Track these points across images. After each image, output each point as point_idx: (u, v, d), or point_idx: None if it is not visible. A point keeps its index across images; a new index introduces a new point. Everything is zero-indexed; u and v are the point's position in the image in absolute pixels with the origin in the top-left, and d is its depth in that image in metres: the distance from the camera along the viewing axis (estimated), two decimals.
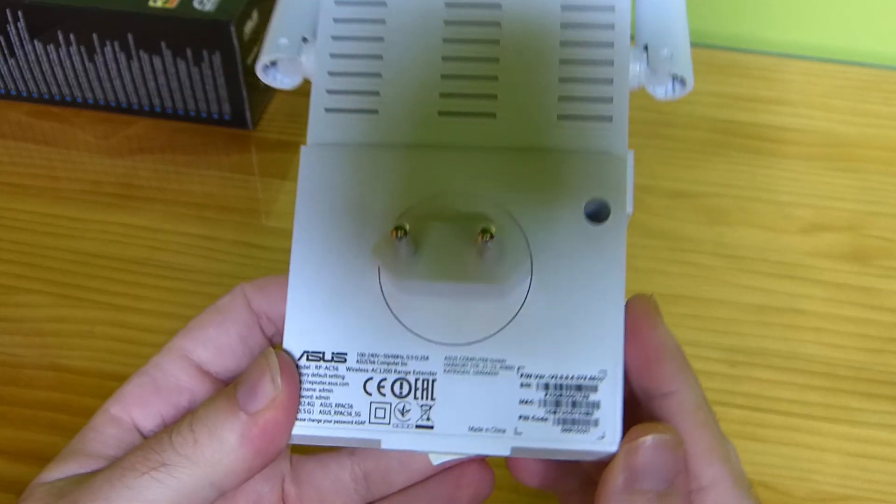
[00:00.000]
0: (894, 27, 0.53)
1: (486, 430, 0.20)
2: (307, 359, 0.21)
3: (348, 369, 0.21)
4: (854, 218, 0.42)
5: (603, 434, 0.20)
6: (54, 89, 0.45)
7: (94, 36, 0.42)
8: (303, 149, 0.21)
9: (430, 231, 0.20)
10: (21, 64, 0.44)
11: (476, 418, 0.20)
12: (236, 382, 0.21)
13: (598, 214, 0.20)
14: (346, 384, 0.21)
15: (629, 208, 0.21)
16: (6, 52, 0.43)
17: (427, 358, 0.20)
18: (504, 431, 0.20)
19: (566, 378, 0.20)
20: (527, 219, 0.20)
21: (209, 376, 0.23)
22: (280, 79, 0.23)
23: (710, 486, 0.20)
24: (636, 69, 0.22)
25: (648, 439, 0.20)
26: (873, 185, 0.43)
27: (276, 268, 0.38)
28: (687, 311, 0.37)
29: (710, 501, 0.20)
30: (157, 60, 0.42)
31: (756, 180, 0.43)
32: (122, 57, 0.42)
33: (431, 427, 0.20)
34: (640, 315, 0.21)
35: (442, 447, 0.20)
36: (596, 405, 0.20)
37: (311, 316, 0.21)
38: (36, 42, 0.43)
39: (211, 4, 0.41)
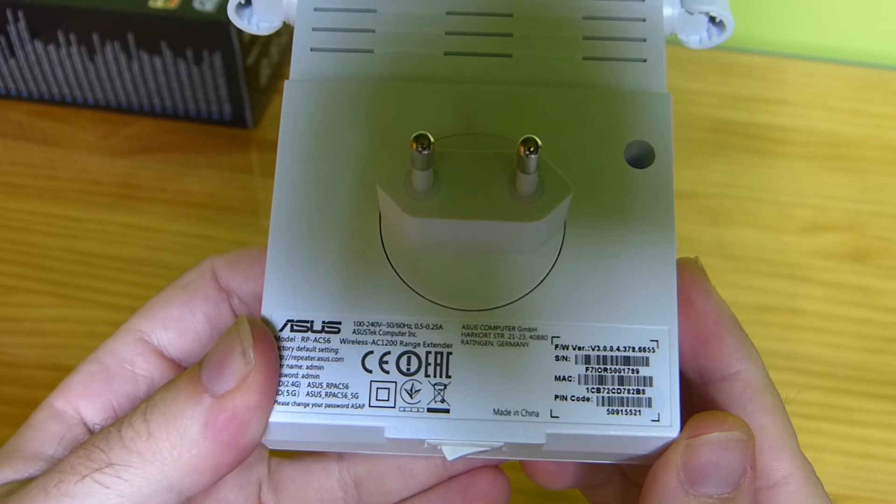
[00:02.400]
0: (894, 27, 0.53)
1: (515, 413, 0.16)
2: (291, 329, 0.17)
3: (343, 341, 0.17)
4: (854, 218, 0.42)
5: (657, 416, 0.17)
6: (54, 89, 0.45)
7: (95, 36, 0.42)
8: (286, 83, 0.18)
9: (451, 160, 0.16)
10: (21, 64, 0.44)
11: (502, 399, 0.16)
12: (201, 361, 0.17)
13: (641, 159, 0.17)
14: (341, 359, 0.17)
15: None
16: (6, 52, 0.43)
17: (440, 327, 0.17)
18: (537, 414, 0.16)
19: (611, 349, 0.17)
20: (558, 161, 0.17)
21: (171, 362, 0.20)
22: (255, 21, 0.20)
23: (781, 484, 0.18)
24: (668, 11, 0.19)
25: (714, 436, 0.16)
26: (873, 185, 0.43)
27: None
28: None
29: (781, 501, 0.18)
30: (157, 60, 0.42)
31: (756, 180, 0.43)
32: (122, 57, 0.42)
33: (447, 410, 0.16)
34: (688, 281, 0.18)
35: (460, 436, 0.16)
36: (647, 381, 0.17)
37: (295, 278, 0.17)
38: (36, 42, 0.43)
39: (211, 4, 0.41)
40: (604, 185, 0.17)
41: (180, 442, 0.16)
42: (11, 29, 0.42)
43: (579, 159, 0.17)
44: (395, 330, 0.17)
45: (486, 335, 0.17)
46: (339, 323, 0.17)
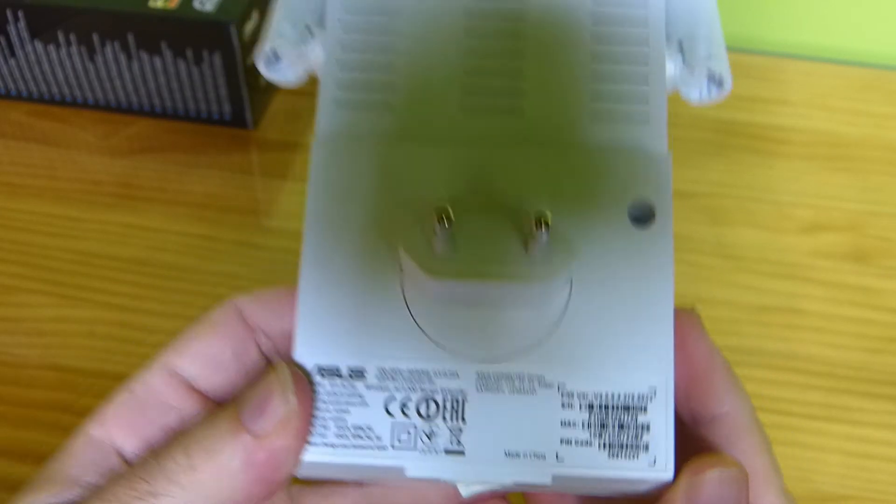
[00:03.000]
0: (894, 27, 0.53)
1: (524, 455, 0.18)
2: (321, 375, 0.19)
3: (367, 387, 0.18)
4: (854, 218, 0.42)
5: (654, 460, 0.18)
6: (54, 89, 0.45)
7: (95, 36, 0.42)
8: (314, 144, 0.19)
9: (467, 223, 0.18)
10: (21, 64, 0.44)
11: (512, 442, 0.18)
12: (239, 399, 0.18)
13: (643, 217, 0.19)
14: (366, 404, 0.18)
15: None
16: (6, 52, 0.43)
17: (456, 374, 0.18)
18: (544, 457, 0.18)
19: (612, 397, 0.18)
20: (566, 218, 0.18)
21: (199, 395, 0.21)
22: (283, 72, 0.21)
23: None
24: (671, 68, 0.20)
25: (714, 473, 0.18)
26: (873, 185, 0.43)
27: (276, 268, 0.38)
28: None
29: None
30: (157, 60, 0.42)
31: (756, 180, 0.43)
32: (122, 57, 0.42)
33: (462, 452, 0.18)
34: (686, 328, 0.19)
35: (474, 475, 0.18)
36: (645, 427, 0.18)
37: (324, 325, 0.19)
38: (36, 42, 0.43)
39: (211, 5, 0.41)
40: (608, 243, 0.18)
41: (220, 475, 0.18)
42: (11, 29, 0.42)
43: (585, 218, 0.18)
44: (415, 377, 0.18)
45: (498, 383, 0.18)
46: (364, 369, 0.18)
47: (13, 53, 0.43)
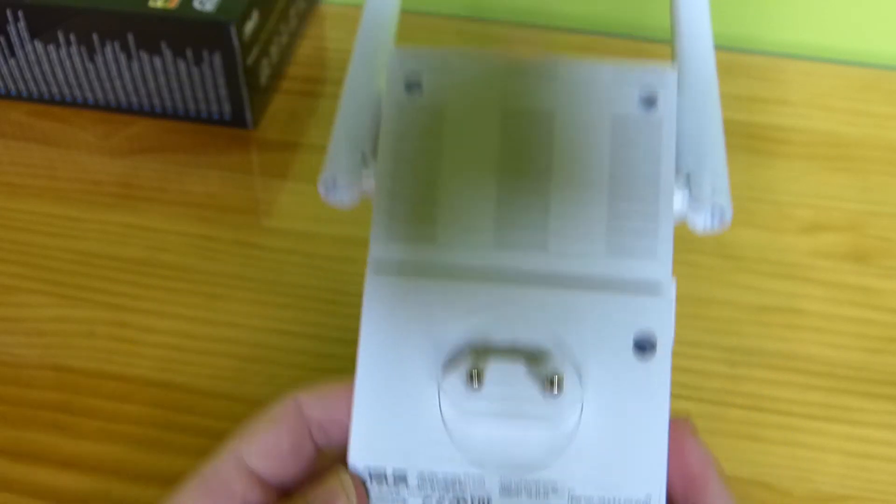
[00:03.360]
0: (894, 27, 0.53)
1: None
2: (370, 477, 0.22)
3: (409, 491, 0.22)
4: (854, 218, 0.42)
5: None
6: (54, 89, 0.45)
7: (95, 36, 0.42)
8: (367, 277, 0.22)
9: (495, 368, 0.21)
10: (21, 64, 0.44)
11: None
12: (307, 499, 0.21)
13: (645, 349, 0.21)
14: None
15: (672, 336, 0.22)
16: (6, 52, 0.43)
17: (483, 482, 0.21)
18: None
19: (613, 501, 0.21)
20: (579, 351, 0.21)
21: (261, 483, 0.23)
22: (340, 196, 0.24)
23: None
24: (678, 200, 0.22)
25: None
26: (873, 185, 0.43)
27: (275, 267, 0.38)
28: (687, 311, 0.37)
29: None
30: (157, 60, 0.42)
31: (756, 180, 0.43)
32: (122, 57, 0.42)
33: None
34: (681, 437, 0.22)
35: None
36: None
37: (374, 434, 0.22)
38: (36, 42, 0.43)
39: (211, 4, 0.41)
40: (614, 370, 0.21)
41: None
42: (11, 29, 0.42)
43: (595, 347, 0.21)
44: (449, 482, 0.22)
45: (518, 489, 0.21)
46: (406, 473, 0.22)
47: (13, 53, 0.43)
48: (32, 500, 0.31)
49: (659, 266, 0.22)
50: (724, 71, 0.50)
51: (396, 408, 0.22)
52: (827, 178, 0.44)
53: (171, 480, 0.32)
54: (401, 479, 0.22)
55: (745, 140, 0.46)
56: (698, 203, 0.22)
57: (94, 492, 0.31)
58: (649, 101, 0.22)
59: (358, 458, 0.22)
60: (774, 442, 0.33)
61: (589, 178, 0.22)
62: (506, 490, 0.21)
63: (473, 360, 0.21)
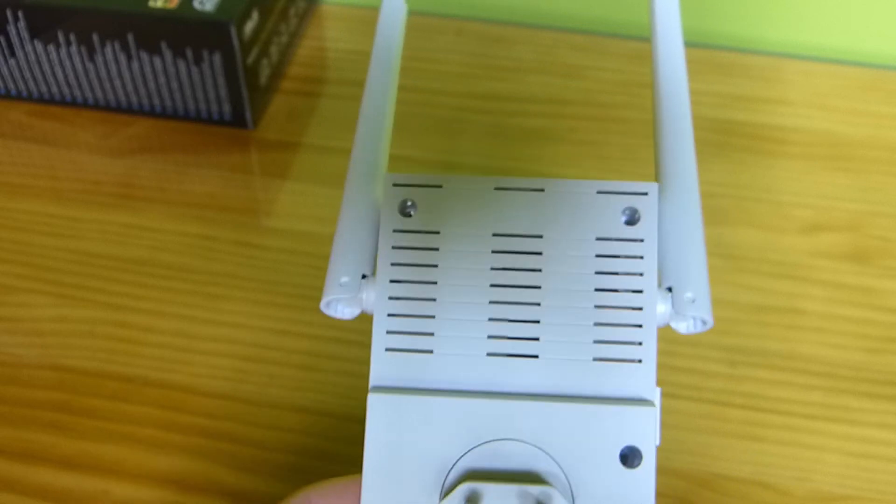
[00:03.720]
0: (894, 27, 0.53)
1: None
2: None
3: None
4: (854, 218, 0.42)
5: None
6: (54, 89, 0.45)
7: (95, 36, 0.42)
8: (369, 397, 0.24)
9: (489, 494, 0.22)
10: (21, 64, 0.44)
11: None
12: None
13: (631, 460, 0.23)
14: None
15: (658, 441, 0.23)
16: (6, 52, 0.44)
17: None
18: None
19: None
20: (569, 465, 0.23)
21: None
22: (341, 311, 0.25)
23: None
24: (662, 310, 0.24)
25: None
26: (873, 185, 0.43)
27: (275, 267, 0.38)
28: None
29: None
30: (157, 60, 0.42)
31: (756, 180, 0.43)
32: (122, 57, 0.43)
33: None
34: None
35: None
36: None
37: None
38: (36, 42, 0.43)
39: (211, 4, 0.41)
40: (602, 481, 0.23)
41: None
42: (11, 29, 0.42)
43: (584, 460, 0.23)
44: None
45: None
46: None
47: (13, 53, 0.44)
48: (32, 500, 0.31)
49: (644, 373, 0.23)
50: (725, 71, 0.50)
51: None
52: (827, 178, 0.44)
53: (170, 480, 0.32)
54: None
55: (745, 140, 0.46)
56: (681, 316, 0.24)
57: (94, 492, 0.31)
58: (632, 220, 0.24)
59: None
60: (774, 442, 0.33)
61: (577, 294, 0.24)
62: None
63: (469, 487, 0.22)
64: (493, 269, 0.24)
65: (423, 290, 0.24)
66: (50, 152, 0.44)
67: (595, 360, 0.24)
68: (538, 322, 0.24)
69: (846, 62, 0.51)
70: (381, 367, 0.24)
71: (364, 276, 0.25)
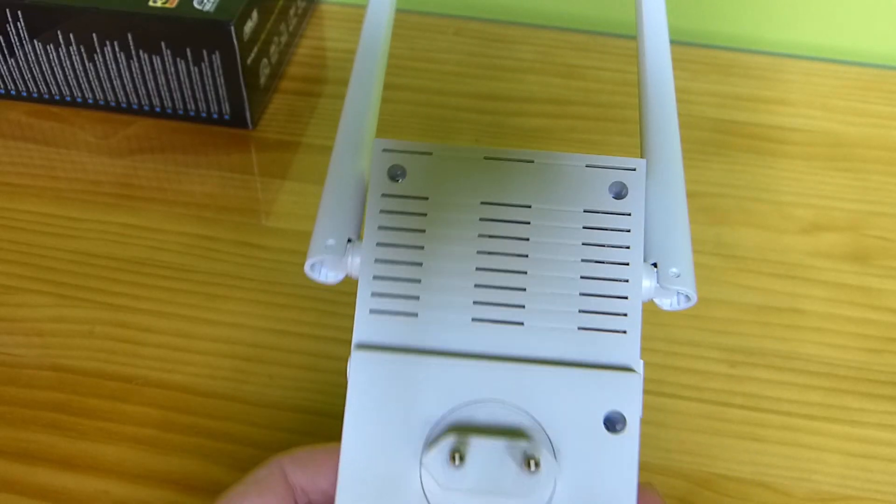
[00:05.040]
0: (894, 27, 0.53)
1: None
2: None
3: None
4: (854, 218, 0.42)
5: None
6: (54, 89, 0.45)
7: (94, 36, 0.42)
8: (353, 355, 0.23)
9: (475, 446, 0.22)
10: (21, 64, 0.44)
11: None
12: None
13: (615, 425, 0.23)
14: None
15: (640, 413, 0.23)
16: (6, 52, 0.43)
17: None
18: None
19: None
20: (553, 425, 0.23)
21: None
22: (325, 274, 0.25)
23: None
24: (647, 285, 0.24)
25: None
26: (873, 185, 0.43)
27: (275, 267, 0.38)
28: (687, 311, 0.37)
29: None
30: (157, 60, 0.42)
31: (756, 180, 0.43)
32: (122, 57, 0.42)
33: None
34: (649, 499, 0.24)
35: None
36: None
37: (357, 500, 0.23)
38: (36, 42, 0.43)
39: (211, 4, 0.41)
40: (586, 445, 0.23)
41: None
42: (11, 29, 0.42)
43: (568, 424, 0.23)
44: None
45: None
46: None
47: (13, 53, 0.43)
48: (32, 500, 0.31)
49: (628, 344, 0.23)
50: (725, 71, 0.50)
51: (380, 481, 0.23)
52: (827, 178, 0.44)
53: (170, 480, 0.32)
54: None
55: (745, 140, 0.46)
56: (665, 290, 0.24)
57: (94, 492, 0.31)
58: (620, 195, 0.24)
59: None
60: (774, 442, 0.33)
61: (564, 260, 0.24)
62: None
63: (455, 438, 0.22)
64: (480, 236, 0.24)
65: (409, 255, 0.24)
66: (49, 152, 0.44)
67: (580, 329, 0.23)
68: (524, 290, 0.24)
69: (846, 62, 0.51)
70: (365, 327, 0.24)
71: (350, 241, 0.25)
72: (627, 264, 0.24)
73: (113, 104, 0.45)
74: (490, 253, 0.24)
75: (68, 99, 0.45)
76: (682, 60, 0.50)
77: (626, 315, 0.23)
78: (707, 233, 0.41)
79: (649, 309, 0.39)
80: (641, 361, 0.23)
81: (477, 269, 0.24)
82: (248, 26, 0.42)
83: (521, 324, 0.24)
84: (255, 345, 0.36)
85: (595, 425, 0.23)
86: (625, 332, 0.23)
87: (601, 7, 0.55)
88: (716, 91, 0.49)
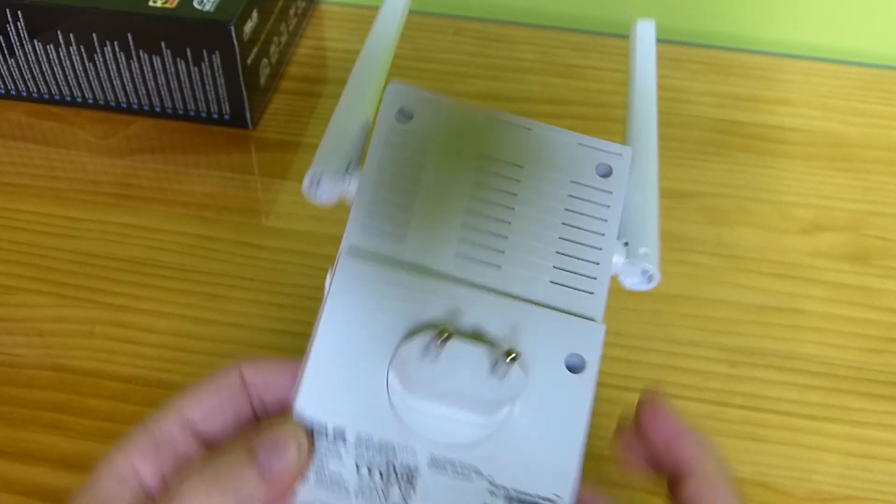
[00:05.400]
0: (894, 27, 0.53)
1: None
2: (312, 431, 0.23)
3: (346, 449, 0.23)
4: (854, 218, 0.42)
5: None
6: (54, 89, 0.45)
7: (94, 36, 0.42)
8: (341, 259, 0.24)
9: (452, 347, 0.23)
10: (21, 64, 0.44)
11: None
12: (256, 442, 0.22)
13: (575, 367, 0.24)
14: (341, 461, 0.23)
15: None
16: (6, 52, 0.43)
17: (414, 451, 0.23)
18: None
19: (525, 494, 0.23)
20: (519, 359, 0.24)
21: (200, 439, 0.24)
22: (320, 194, 0.26)
23: None
24: (617, 260, 0.26)
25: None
26: (873, 185, 0.43)
27: (275, 267, 0.38)
28: (687, 311, 0.37)
29: None
30: (157, 60, 0.42)
31: (756, 180, 0.43)
32: (122, 57, 0.42)
33: None
34: (651, 410, 0.24)
35: None
36: None
37: (322, 391, 0.24)
38: (36, 42, 0.43)
39: (211, 4, 0.41)
40: (547, 380, 0.24)
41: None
42: (11, 29, 0.42)
43: (534, 359, 0.24)
44: (383, 446, 0.23)
45: (444, 465, 0.23)
46: (345, 432, 0.23)
47: (13, 53, 0.43)
48: (32, 500, 0.31)
49: (595, 303, 0.25)
50: (725, 71, 0.50)
51: (348, 373, 0.24)
52: (827, 178, 0.44)
53: None
54: (339, 435, 0.23)
55: (745, 140, 0.46)
56: (632, 268, 0.26)
57: None
58: (605, 174, 0.26)
59: (305, 405, 0.23)
60: (774, 442, 0.33)
61: (545, 222, 0.25)
62: (434, 463, 0.23)
63: (435, 334, 0.23)
64: (473, 183, 0.26)
65: (406, 184, 0.26)
66: (50, 152, 0.44)
67: (552, 283, 0.25)
68: (506, 238, 0.25)
69: (846, 62, 0.51)
70: (355, 239, 0.25)
71: (350, 165, 0.26)
72: (603, 235, 0.26)
73: (113, 104, 0.45)
74: (480, 200, 0.26)
75: (68, 99, 0.45)
76: (682, 60, 0.50)
77: (595, 278, 0.25)
78: (707, 233, 0.41)
79: (650, 308, 0.40)
80: (604, 325, 0.25)
81: (466, 211, 0.25)
82: (248, 26, 0.42)
83: (499, 267, 0.25)
84: (254, 345, 0.36)
85: (557, 362, 0.24)
86: (592, 293, 0.25)
87: (601, 7, 0.55)
88: (716, 91, 0.49)
